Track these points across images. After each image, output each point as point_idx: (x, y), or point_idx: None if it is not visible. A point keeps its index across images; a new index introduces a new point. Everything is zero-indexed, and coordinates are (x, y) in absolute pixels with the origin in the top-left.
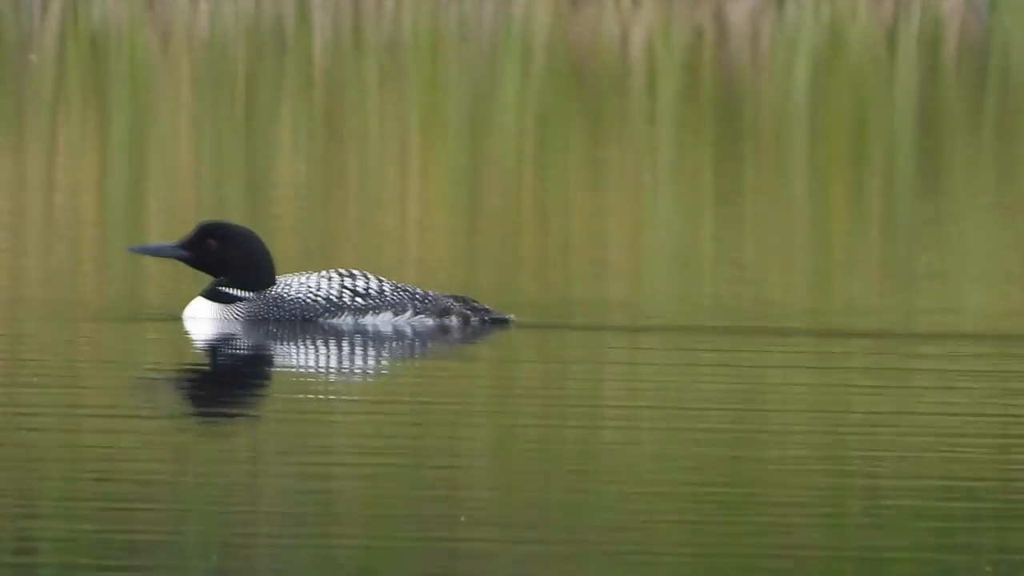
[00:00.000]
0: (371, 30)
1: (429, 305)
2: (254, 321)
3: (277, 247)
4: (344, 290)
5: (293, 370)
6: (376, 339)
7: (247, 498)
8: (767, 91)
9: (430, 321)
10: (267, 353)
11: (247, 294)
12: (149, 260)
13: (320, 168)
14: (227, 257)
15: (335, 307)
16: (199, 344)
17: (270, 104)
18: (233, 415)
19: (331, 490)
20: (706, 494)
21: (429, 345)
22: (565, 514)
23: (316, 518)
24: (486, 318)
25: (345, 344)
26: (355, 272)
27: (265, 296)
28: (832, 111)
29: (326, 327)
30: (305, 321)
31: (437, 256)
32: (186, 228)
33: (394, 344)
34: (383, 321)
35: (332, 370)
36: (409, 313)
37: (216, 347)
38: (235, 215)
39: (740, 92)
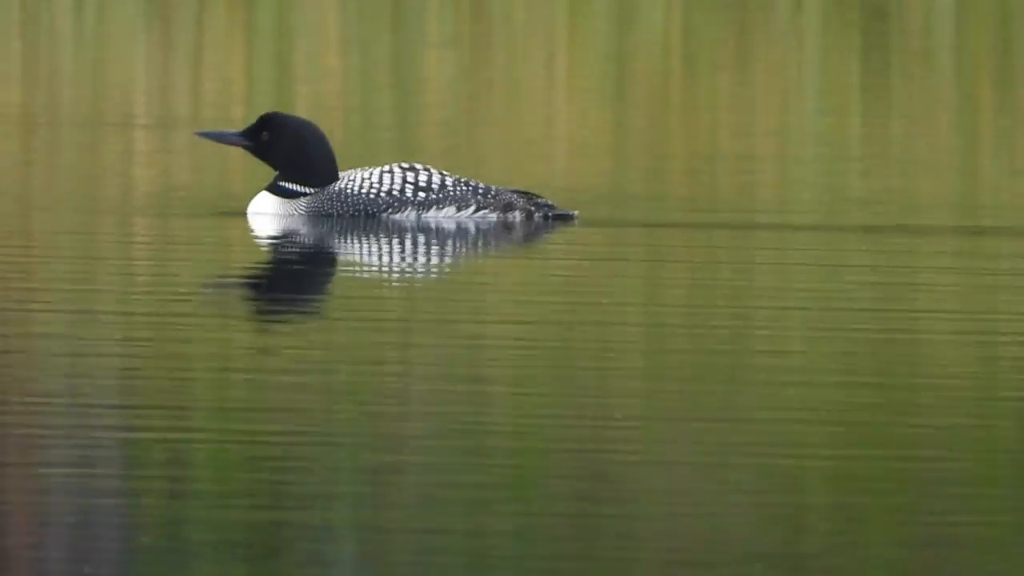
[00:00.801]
0: None
1: (492, 200)
2: (316, 216)
3: (423, 137)
4: (407, 184)
5: (360, 268)
6: (455, 234)
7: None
8: None
9: (493, 216)
10: (330, 251)
11: (308, 189)
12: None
13: (467, 62)
14: (280, 150)
15: (397, 202)
16: (268, 239)
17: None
18: (305, 316)
19: (467, 389)
20: (857, 402)
21: (538, 238)
22: (715, 419)
23: (461, 422)
24: (549, 214)
25: (417, 240)
26: (417, 166)
27: (327, 191)
28: (979, 9)
29: (389, 222)
30: (368, 216)
31: (583, 149)
32: (332, 122)
33: (495, 239)
34: (446, 216)
35: (433, 269)
36: (472, 208)
37: (277, 246)
38: (381, 110)
39: None
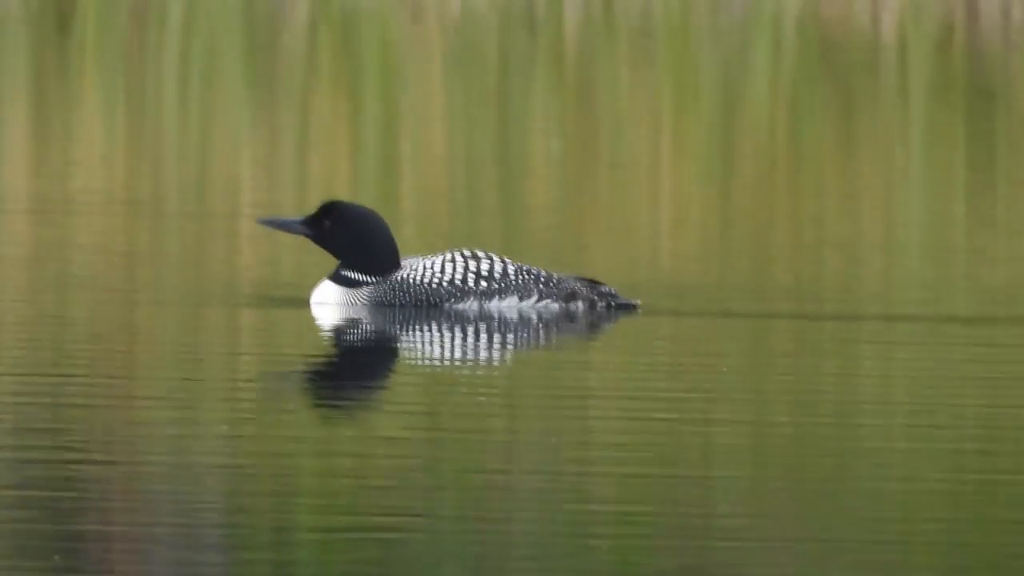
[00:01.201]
0: (622, 7)
1: (554, 289)
2: (379, 306)
3: (529, 225)
4: (469, 273)
5: (425, 358)
6: (516, 325)
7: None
8: (1019, 71)
9: (555, 306)
10: (395, 341)
11: (370, 278)
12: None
13: (572, 145)
14: (341, 239)
15: (460, 291)
16: (326, 331)
17: (522, 83)
18: (368, 405)
19: (570, 483)
20: (964, 491)
21: (612, 329)
22: (819, 506)
23: (566, 511)
24: (612, 303)
25: (482, 331)
26: (479, 254)
27: (389, 280)
28: None
29: (451, 312)
30: (430, 306)
31: (688, 235)
32: (438, 207)
33: (561, 329)
34: (508, 305)
35: (510, 360)
36: (535, 298)
37: (342, 334)
38: (487, 194)
39: (991, 72)
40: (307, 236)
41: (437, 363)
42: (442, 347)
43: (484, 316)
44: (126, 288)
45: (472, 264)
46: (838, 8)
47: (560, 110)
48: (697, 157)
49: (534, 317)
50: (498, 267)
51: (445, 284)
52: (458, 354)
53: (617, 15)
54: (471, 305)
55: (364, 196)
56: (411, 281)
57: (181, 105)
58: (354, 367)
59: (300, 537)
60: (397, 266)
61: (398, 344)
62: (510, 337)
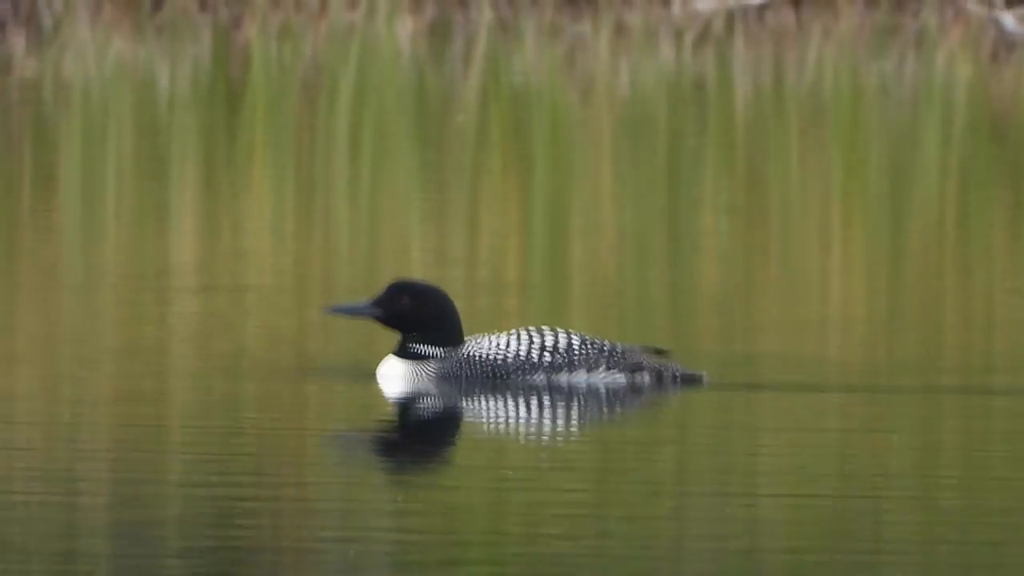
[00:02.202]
0: (792, 83)
1: (620, 360)
2: (446, 379)
3: (698, 300)
4: (532, 346)
5: (495, 427)
6: (588, 398)
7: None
8: None
9: (622, 378)
10: (466, 412)
11: (438, 351)
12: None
13: (740, 221)
14: (421, 314)
15: (526, 364)
16: (400, 402)
17: (691, 159)
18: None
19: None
20: None
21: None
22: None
23: None
24: (676, 374)
25: (547, 402)
26: (545, 329)
27: (455, 353)
28: None
29: (518, 384)
30: (496, 378)
31: (857, 310)
32: (615, 286)
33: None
34: (576, 379)
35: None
36: (602, 369)
37: (416, 407)
38: (657, 270)
39: None
40: (376, 318)
41: (544, 437)
42: (512, 417)
43: (551, 387)
44: (295, 367)
45: (537, 338)
46: (1008, 84)
47: (729, 185)
48: (866, 234)
49: (601, 388)
50: (563, 340)
51: (511, 356)
52: (532, 424)
53: (787, 88)
54: (538, 377)
55: (533, 274)
56: (477, 354)
57: (351, 185)
58: (428, 436)
59: None
60: (462, 341)
61: (467, 413)
62: (581, 408)
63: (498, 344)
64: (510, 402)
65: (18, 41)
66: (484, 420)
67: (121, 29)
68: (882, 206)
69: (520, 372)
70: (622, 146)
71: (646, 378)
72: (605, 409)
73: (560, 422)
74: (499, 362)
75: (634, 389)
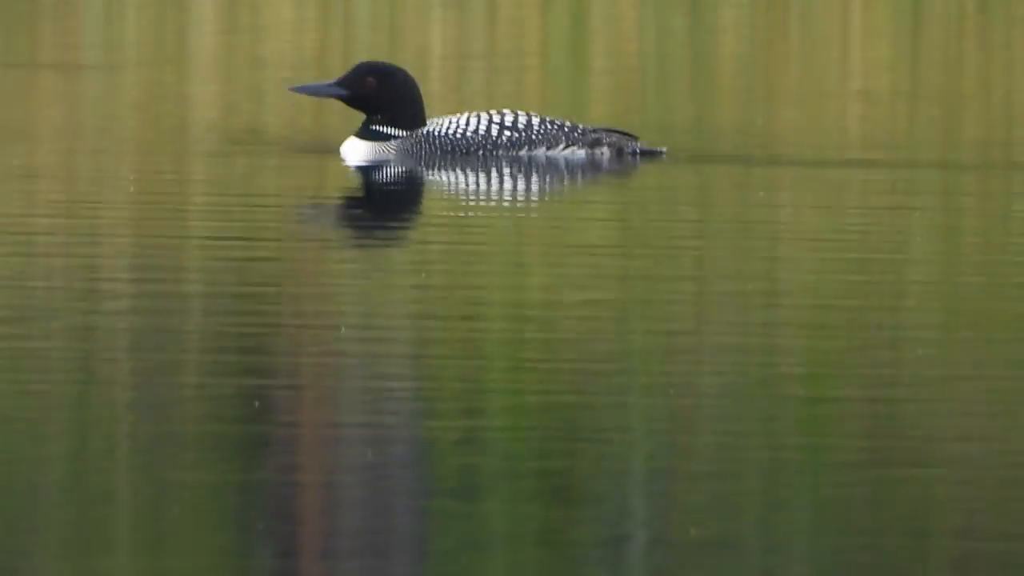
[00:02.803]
0: None
1: (580, 137)
2: (407, 157)
3: (718, 77)
4: (493, 124)
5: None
6: (577, 169)
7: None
8: None
9: (582, 152)
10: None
11: (400, 132)
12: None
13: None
14: (385, 94)
15: (486, 141)
16: (361, 177)
17: None
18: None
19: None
20: None
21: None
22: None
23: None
24: (637, 149)
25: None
26: (505, 111)
27: (417, 134)
28: None
29: (479, 161)
30: (457, 156)
31: (878, 91)
32: (635, 65)
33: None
34: (536, 154)
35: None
36: (561, 146)
37: (376, 180)
38: (676, 43)
39: None
40: (341, 97)
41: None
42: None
43: (512, 163)
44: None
45: (497, 117)
46: None
47: None
48: (887, 15)
49: (562, 164)
50: (522, 119)
51: (470, 134)
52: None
53: None
54: (499, 155)
55: (555, 55)
56: (438, 133)
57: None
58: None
59: (491, 400)
60: (424, 123)
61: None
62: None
63: (459, 123)
64: (471, 175)
65: None
66: (446, 192)
67: None
68: None
69: (480, 149)
70: None
71: (606, 152)
72: (565, 180)
73: (520, 193)
74: (459, 139)
75: (594, 164)
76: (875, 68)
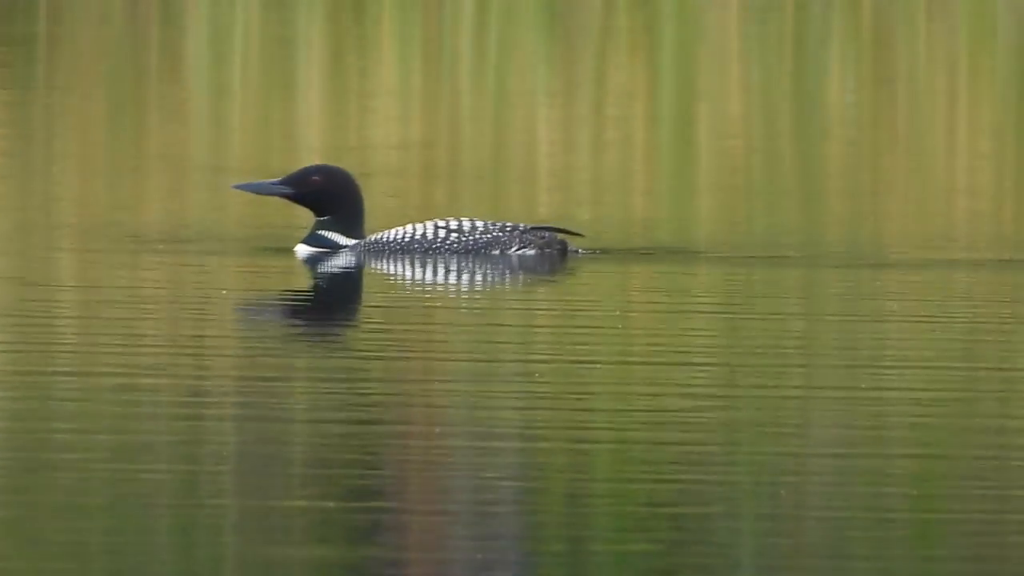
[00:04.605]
0: None
1: (527, 238)
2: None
3: (825, 175)
4: (439, 229)
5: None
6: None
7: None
8: None
9: (531, 252)
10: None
11: (348, 241)
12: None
13: (868, 91)
14: (330, 193)
15: (432, 247)
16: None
17: (818, 27)
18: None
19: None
20: None
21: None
22: None
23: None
24: (577, 250)
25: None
26: (450, 219)
27: (364, 243)
28: None
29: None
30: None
31: (984, 185)
32: (742, 167)
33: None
34: (486, 256)
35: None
36: (515, 247)
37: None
38: (783, 136)
39: None
40: (285, 196)
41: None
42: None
43: (467, 263)
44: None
45: (441, 222)
46: None
47: (856, 54)
48: (992, 107)
49: (515, 263)
50: (467, 224)
51: (417, 239)
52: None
53: None
54: (446, 258)
55: (660, 144)
56: (385, 241)
57: (478, 62)
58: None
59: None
60: (363, 234)
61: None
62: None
63: (404, 231)
64: (414, 271)
65: None
66: (388, 285)
67: None
68: (1009, 76)
69: (429, 253)
70: (750, 13)
71: (548, 251)
72: (522, 276)
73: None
74: (405, 246)
75: (541, 262)
76: (981, 161)
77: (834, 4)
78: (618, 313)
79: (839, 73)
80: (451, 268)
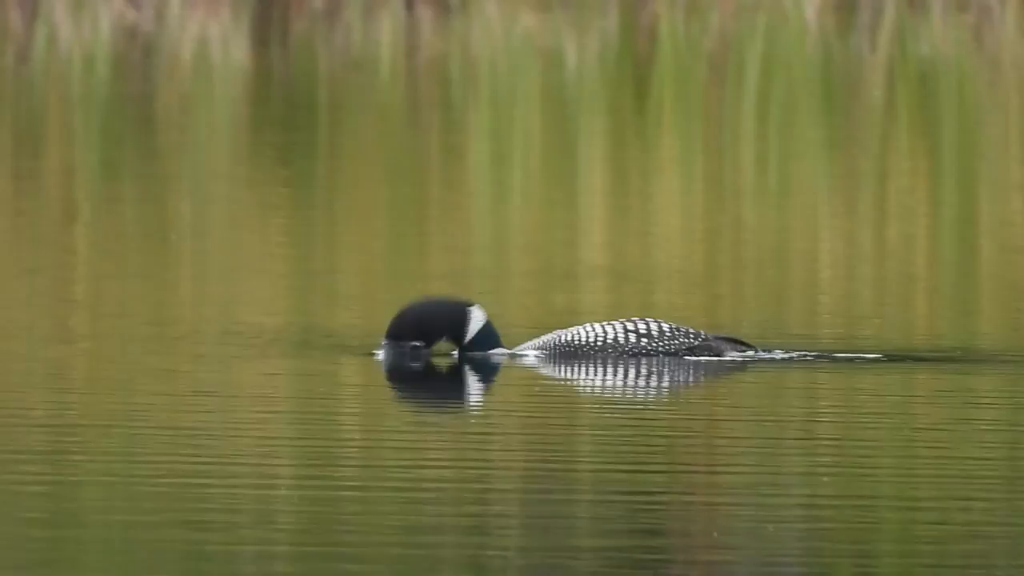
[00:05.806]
0: None
1: (705, 344)
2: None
3: (987, 278)
4: (629, 333)
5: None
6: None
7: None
8: None
9: (703, 359)
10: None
11: (503, 350)
12: None
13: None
14: (452, 329)
15: (615, 349)
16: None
17: None
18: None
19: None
20: None
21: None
22: None
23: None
24: (752, 354)
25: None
26: (636, 319)
27: (543, 343)
28: None
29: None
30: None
31: None
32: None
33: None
34: (659, 360)
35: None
36: (687, 351)
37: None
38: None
39: None
40: (419, 351)
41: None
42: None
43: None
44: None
45: (630, 325)
46: None
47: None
48: None
49: (691, 368)
50: (642, 327)
51: (610, 343)
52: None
53: None
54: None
55: (940, 255)
56: (572, 342)
57: (758, 161)
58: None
59: None
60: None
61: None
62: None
63: (590, 333)
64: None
65: (426, 17)
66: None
67: (528, 3)
68: None
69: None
70: None
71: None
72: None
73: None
74: (595, 349)
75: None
76: None
77: None
78: (903, 422)
79: None
80: (678, 374)
